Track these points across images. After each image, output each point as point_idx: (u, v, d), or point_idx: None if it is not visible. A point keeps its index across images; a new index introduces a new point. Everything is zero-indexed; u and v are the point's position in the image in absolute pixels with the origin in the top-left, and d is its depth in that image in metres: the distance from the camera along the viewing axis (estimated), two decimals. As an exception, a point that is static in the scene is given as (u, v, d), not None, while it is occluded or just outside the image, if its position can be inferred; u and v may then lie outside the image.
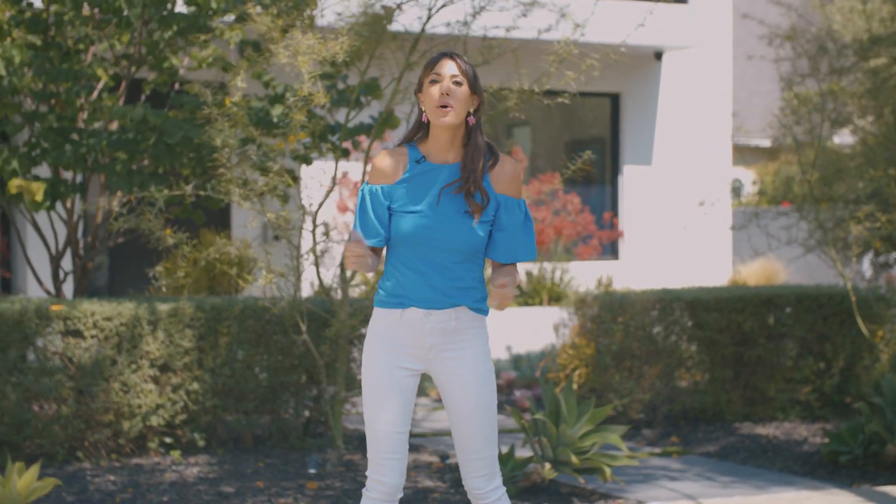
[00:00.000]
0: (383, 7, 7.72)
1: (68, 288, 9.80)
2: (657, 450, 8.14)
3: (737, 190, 19.74)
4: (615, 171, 14.39)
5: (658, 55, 14.31)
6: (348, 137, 7.75)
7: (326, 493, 6.67)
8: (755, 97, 22.96)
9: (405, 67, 7.59)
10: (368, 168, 6.28)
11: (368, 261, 4.10)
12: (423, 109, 4.21)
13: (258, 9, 7.40)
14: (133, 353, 7.32)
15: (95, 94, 8.03)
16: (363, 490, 4.27)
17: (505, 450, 7.00)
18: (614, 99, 14.41)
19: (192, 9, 7.67)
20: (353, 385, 7.74)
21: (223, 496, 6.60)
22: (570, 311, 9.22)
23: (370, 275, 4.23)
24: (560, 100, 7.19)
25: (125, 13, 7.41)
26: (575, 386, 9.14)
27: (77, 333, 7.23)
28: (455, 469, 7.24)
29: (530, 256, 4.35)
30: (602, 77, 14.06)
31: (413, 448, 7.91)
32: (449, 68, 4.16)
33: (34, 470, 5.91)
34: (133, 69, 7.93)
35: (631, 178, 14.31)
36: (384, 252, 4.36)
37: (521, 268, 12.98)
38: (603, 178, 14.52)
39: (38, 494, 5.89)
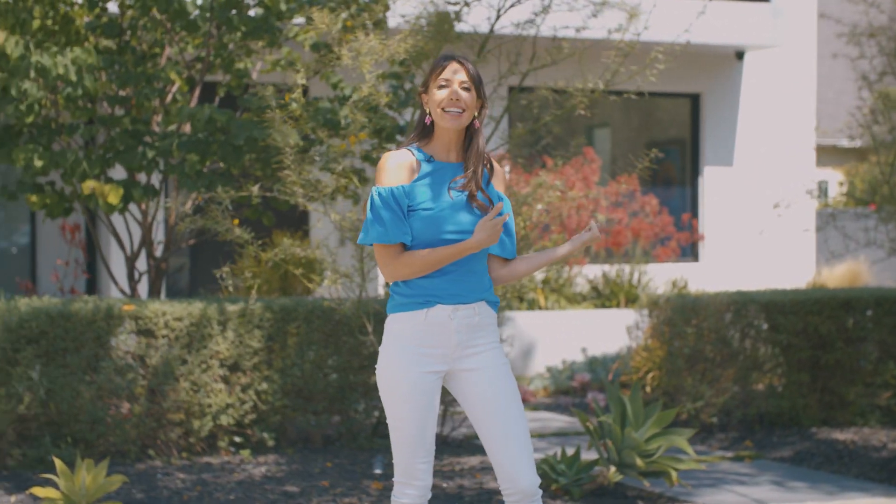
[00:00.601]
0: (447, 2, 7.73)
1: (144, 289, 9.92)
2: (729, 454, 8.04)
3: (823, 191, 19.44)
4: (695, 172, 14.24)
5: (739, 55, 14.14)
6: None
7: (389, 493, 6.67)
8: (843, 96, 22.59)
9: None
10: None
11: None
12: (428, 111, 4.23)
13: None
14: (203, 352, 7.39)
15: (169, 97, 8.13)
16: (392, 497, 4.22)
17: (571, 452, 6.95)
18: (694, 99, 14.26)
19: (260, 12, 7.73)
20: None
21: (288, 495, 6.64)
22: (643, 314, 9.15)
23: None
24: (626, 95, 7.11)
25: (191, 17, 7.48)
26: (648, 389, 9.07)
27: (148, 333, 7.32)
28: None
29: (513, 254, 4.35)
30: (682, 77, 13.98)
31: (478, 450, 7.90)
32: (457, 73, 4.17)
33: (102, 467, 6.00)
34: (204, 72, 8.01)
35: (711, 180, 14.15)
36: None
37: (599, 269, 12.90)
38: (682, 180, 14.38)
39: (106, 491, 5.98)
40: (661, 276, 13.20)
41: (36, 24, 7.62)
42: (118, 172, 9.05)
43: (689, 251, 14.05)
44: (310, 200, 6.47)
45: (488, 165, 4.27)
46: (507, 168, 8.32)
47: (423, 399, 4.15)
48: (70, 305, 7.13)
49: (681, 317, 8.68)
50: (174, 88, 8.16)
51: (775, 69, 14.39)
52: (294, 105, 6.35)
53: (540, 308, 12.26)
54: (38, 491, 5.93)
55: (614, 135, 14.98)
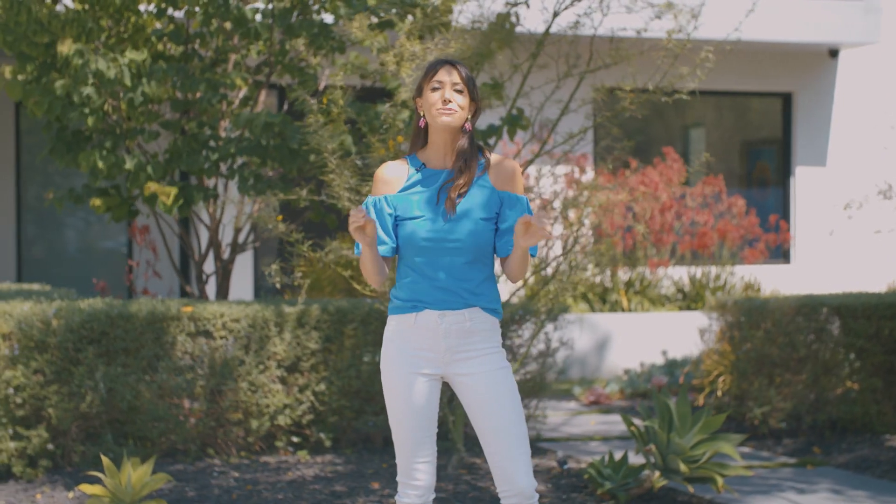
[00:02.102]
0: (508, 3, 7.74)
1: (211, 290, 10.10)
2: (793, 460, 7.91)
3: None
4: (787, 172, 14.02)
5: (833, 53, 13.88)
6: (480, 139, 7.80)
7: (439, 495, 6.72)
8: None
9: (528, 69, 7.59)
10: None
11: (367, 230, 4.07)
12: (422, 114, 4.28)
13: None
14: (260, 353, 7.52)
15: (237, 102, 8.27)
16: (395, 497, 4.32)
17: (618, 456, 6.92)
18: (786, 98, 14.04)
19: (319, 17, 7.83)
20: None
21: (335, 495, 6.72)
22: (712, 317, 9.05)
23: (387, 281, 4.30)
24: (678, 96, 7.03)
25: (251, 24, 7.60)
26: (719, 393, 8.96)
27: (207, 334, 7.47)
28: (572, 475, 7.19)
29: (531, 252, 4.34)
30: (773, 76, 13.77)
31: (539, 452, 7.90)
32: (450, 76, 4.23)
33: (148, 465, 6.14)
34: (268, 78, 8.14)
35: (803, 180, 13.91)
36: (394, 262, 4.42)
37: (685, 272, 12.77)
38: (774, 180, 14.16)
39: (151, 489, 6.12)
40: (749, 279, 13.02)
41: (104, 33, 7.82)
42: (184, 176, 9.23)
43: (780, 253, 13.83)
44: (354, 204, 6.53)
45: (485, 163, 4.28)
46: (585, 171, 8.21)
47: (418, 399, 4.23)
48: (129, 306, 7.30)
49: (748, 320, 8.57)
50: (241, 94, 8.30)
51: (871, 67, 14.10)
52: (334, 109, 6.42)
53: (622, 310, 12.19)
54: (86, 488, 6.09)
55: (708, 135, 14.82)
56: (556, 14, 7.65)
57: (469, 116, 4.25)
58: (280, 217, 6.83)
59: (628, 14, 7.88)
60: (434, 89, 4.22)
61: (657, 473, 6.56)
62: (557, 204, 7.86)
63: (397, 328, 4.26)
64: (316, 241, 6.88)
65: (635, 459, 7.37)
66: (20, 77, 7.83)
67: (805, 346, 8.60)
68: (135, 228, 9.76)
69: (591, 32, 7.70)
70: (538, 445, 8.19)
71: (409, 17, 7.53)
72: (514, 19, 7.94)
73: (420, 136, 4.30)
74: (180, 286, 8.72)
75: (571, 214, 7.66)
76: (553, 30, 7.68)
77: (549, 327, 8.37)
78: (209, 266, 10.06)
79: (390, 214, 4.24)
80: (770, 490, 7.03)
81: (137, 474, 6.10)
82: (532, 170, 12.20)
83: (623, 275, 12.37)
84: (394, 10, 7.50)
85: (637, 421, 9.41)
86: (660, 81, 7.10)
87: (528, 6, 7.65)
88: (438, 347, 4.23)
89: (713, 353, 9.11)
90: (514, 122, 8.08)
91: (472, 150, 4.25)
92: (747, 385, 8.59)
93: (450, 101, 4.18)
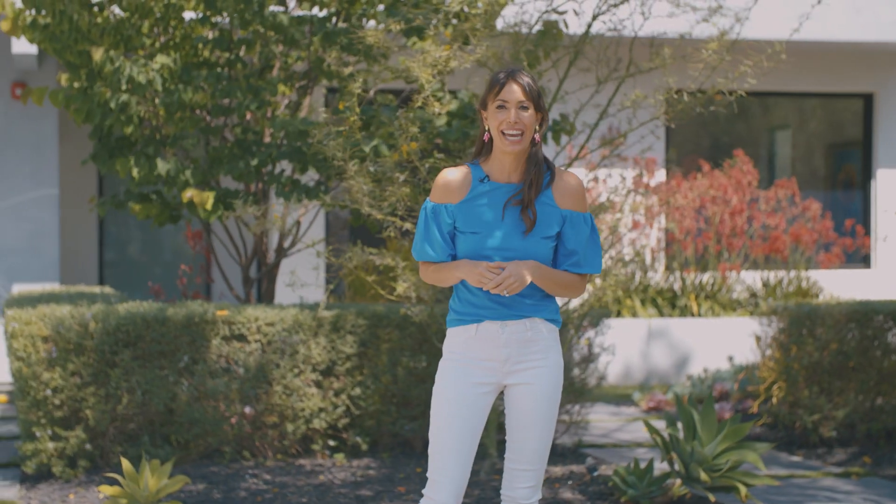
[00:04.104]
0: (556, 12, 7.68)
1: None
2: (838, 470, 7.73)
3: None
4: (867, 175, 13.68)
5: (917, 51, 13.53)
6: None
7: (465, 500, 6.69)
8: None
9: (565, 74, 7.53)
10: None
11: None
12: (487, 128, 4.23)
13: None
14: (295, 357, 7.57)
15: (282, 108, 8.34)
16: None
17: (644, 464, 6.82)
18: (867, 99, 13.71)
19: (359, 23, 7.86)
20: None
21: (360, 499, 6.73)
22: (764, 322, 8.87)
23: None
24: (725, 99, 6.91)
25: (288, 30, 7.66)
26: (774, 400, 8.79)
27: (241, 338, 7.54)
28: (599, 482, 7.11)
29: (595, 270, 4.32)
30: (854, 77, 13.45)
31: (578, 458, 7.82)
32: (515, 94, 4.15)
33: (166, 468, 6.22)
34: (311, 84, 8.19)
35: (885, 183, 13.57)
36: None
37: (758, 276, 12.54)
38: (856, 183, 13.84)
39: (168, 491, 6.19)
40: (827, 284, 12.75)
41: (150, 41, 7.95)
42: (226, 181, 9.33)
43: (860, 257, 13.51)
44: (374, 209, 6.55)
45: (551, 178, 4.23)
46: (652, 174, 8.08)
47: (462, 412, 4.23)
48: (165, 310, 7.41)
49: (797, 327, 8.39)
50: (285, 100, 8.37)
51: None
52: (350, 115, 6.44)
53: (692, 315, 12.02)
54: (105, 489, 6.19)
55: (794, 137, 14.55)
56: (595, 17, 7.57)
57: (537, 128, 4.19)
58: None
59: (670, 18, 7.79)
60: (499, 107, 4.15)
61: (678, 482, 6.45)
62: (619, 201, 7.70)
63: (457, 340, 4.26)
64: (335, 246, 6.89)
65: (662, 467, 7.27)
66: (76, 84, 8.00)
67: (859, 354, 8.38)
68: (189, 233, 9.91)
69: (632, 35, 7.62)
70: (579, 451, 8.12)
71: (433, 22, 7.50)
72: (562, 27, 7.89)
73: (484, 146, 4.25)
74: (230, 290, 8.81)
75: (609, 217, 7.58)
76: (590, 32, 7.60)
77: (591, 332, 8.28)
78: (255, 270, 10.18)
79: (449, 223, 4.22)
80: (802, 500, 6.88)
81: (156, 477, 6.18)
82: (600, 173, 12.11)
83: (694, 279, 12.19)
84: (433, 21, 7.46)
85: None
86: (724, 82, 6.97)
87: (577, 14, 7.59)
88: (498, 356, 4.24)
89: (769, 360, 8.94)
90: (559, 127, 8.04)
91: (541, 165, 4.20)
92: (798, 393, 8.41)
93: (516, 123, 4.12)
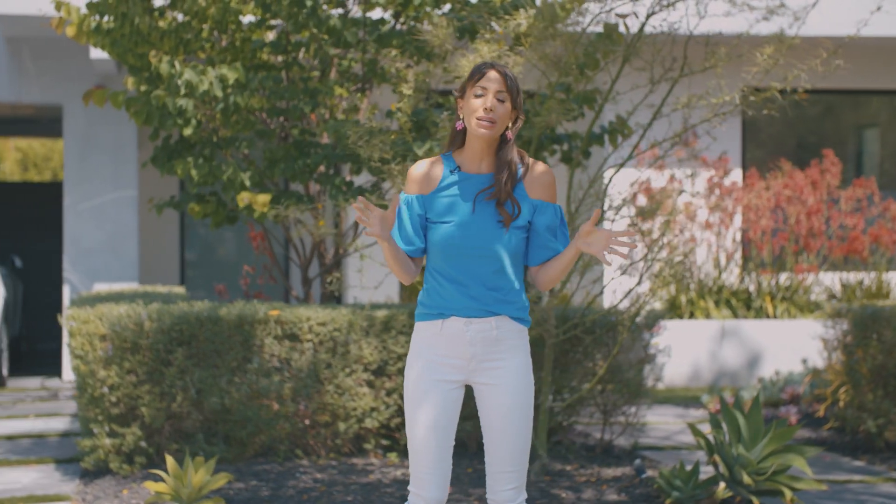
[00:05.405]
0: (617, 16, 7.63)
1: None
2: (898, 475, 7.58)
3: None
4: (953, 174, 13.38)
5: None
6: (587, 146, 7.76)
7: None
8: None
9: (617, 74, 7.47)
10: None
11: (379, 223, 4.08)
12: (461, 116, 4.23)
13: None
14: (347, 357, 7.61)
15: (340, 110, 8.40)
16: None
17: (689, 467, 6.75)
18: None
19: (412, 25, 7.88)
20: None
21: (404, 499, 6.74)
22: (828, 325, 8.72)
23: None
24: (794, 97, 6.82)
25: (341, 33, 7.71)
26: (841, 404, 8.63)
27: (294, 337, 7.61)
28: (646, 484, 7.04)
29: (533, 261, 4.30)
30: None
31: (630, 459, 7.76)
32: (495, 83, 4.15)
33: (210, 465, 6.32)
34: (365, 86, 8.23)
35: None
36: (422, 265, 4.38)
37: (836, 278, 12.32)
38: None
39: (211, 488, 6.28)
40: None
41: (209, 44, 8.06)
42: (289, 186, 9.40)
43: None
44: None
45: (524, 171, 4.23)
46: (697, 172, 8.01)
47: (431, 409, 4.21)
48: (218, 310, 7.51)
49: (861, 329, 8.23)
50: (343, 102, 8.42)
51: None
52: (400, 116, 6.46)
53: (767, 316, 11.85)
54: (150, 485, 6.30)
55: (883, 136, 14.27)
56: (649, 15, 7.51)
57: (510, 125, 4.19)
58: (321, 222, 6.89)
59: (726, 17, 7.70)
60: (477, 95, 4.15)
61: (722, 485, 6.37)
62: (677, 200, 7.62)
63: (423, 335, 4.25)
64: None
65: (709, 470, 7.17)
66: (142, 88, 8.14)
67: (925, 357, 8.20)
68: (252, 234, 10.03)
69: (687, 33, 7.54)
70: (635, 453, 8.05)
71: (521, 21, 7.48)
72: (622, 30, 7.84)
73: (457, 136, 4.25)
74: (285, 290, 8.91)
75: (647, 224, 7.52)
76: (644, 31, 7.53)
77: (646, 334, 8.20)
78: (314, 270, 10.26)
79: (420, 215, 4.21)
80: (855, 506, 6.75)
81: (199, 474, 6.27)
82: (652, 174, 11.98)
83: (770, 280, 12.01)
84: (493, 24, 7.45)
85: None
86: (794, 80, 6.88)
87: (636, 16, 7.53)
88: (464, 354, 4.21)
89: (835, 363, 8.79)
90: (616, 129, 7.99)
91: (514, 161, 4.19)
92: (863, 396, 8.25)
93: (491, 111, 4.13)
